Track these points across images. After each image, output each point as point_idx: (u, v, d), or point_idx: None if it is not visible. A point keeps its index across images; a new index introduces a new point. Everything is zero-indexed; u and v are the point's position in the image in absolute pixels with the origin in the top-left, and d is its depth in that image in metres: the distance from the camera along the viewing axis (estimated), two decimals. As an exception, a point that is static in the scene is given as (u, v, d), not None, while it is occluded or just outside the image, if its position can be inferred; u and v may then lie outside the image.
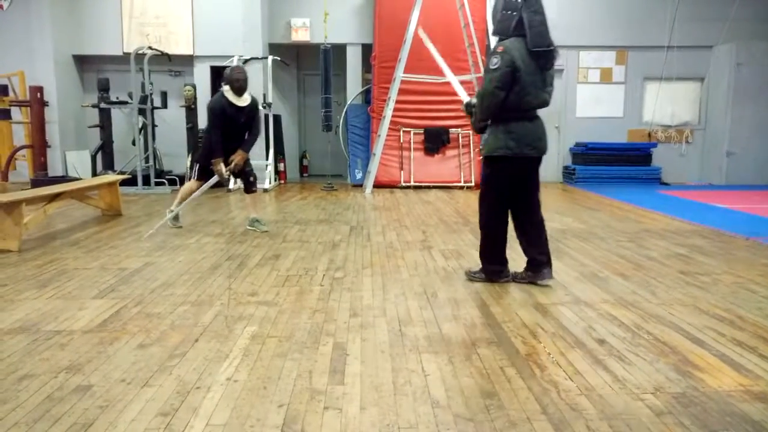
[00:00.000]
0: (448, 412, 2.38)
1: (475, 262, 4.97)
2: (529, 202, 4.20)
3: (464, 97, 4.49)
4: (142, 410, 2.38)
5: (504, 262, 4.31)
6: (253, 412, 2.38)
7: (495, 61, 3.89)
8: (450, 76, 4.92)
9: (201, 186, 6.40)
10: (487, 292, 4.11)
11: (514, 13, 3.90)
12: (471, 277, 4.39)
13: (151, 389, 2.57)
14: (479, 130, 4.23)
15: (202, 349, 3.04)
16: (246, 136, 6.27)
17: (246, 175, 6.42)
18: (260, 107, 6.46)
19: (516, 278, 4.31)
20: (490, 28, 10.94)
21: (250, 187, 6.49)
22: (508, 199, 4.16)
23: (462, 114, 10.79)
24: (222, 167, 6.10)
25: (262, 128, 6.47)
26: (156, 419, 2.31)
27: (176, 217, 6.54)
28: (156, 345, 3.09)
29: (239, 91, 6.07)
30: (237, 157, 6.15)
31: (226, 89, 6.10)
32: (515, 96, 3.91)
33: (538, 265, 4.21)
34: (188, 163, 10.48)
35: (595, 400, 2.49)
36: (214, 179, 6.29)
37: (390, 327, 3.38)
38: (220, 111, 6.03)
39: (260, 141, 11.04)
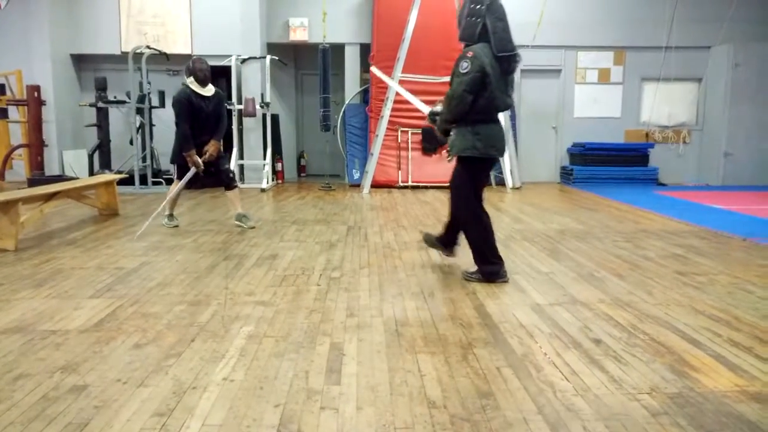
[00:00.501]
0: (445, 413, 2.38)
1: (471, 262, 4.98)
2: (478, 197, 4.42)
3: (424, 108, 4.80)
4: (137, 410, 2.38)
5: (499, 259, 4.35)
6: (249, 412, 2.38)
7: (465, 66, 4.02)
8: (407, 95, 5.30)
9: (182, 185, 6.49)
10: (483, 292, 4.11)
11: (479, 20, 4.05)
12: (468, 277, 4.41)
13: (147, 389, 2.56)
14: (444, 133, 4.38)
15: (198, 349, 3.04)
16: (215, 127, 6.39)
17: (224, 173, 6.51)
18: (224, 98, 6.78)
19: (428, 241, 4.80)
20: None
21: (230, 183, 6.57)
22: (477, 193, 4.35)
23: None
24: (197, 158, 6.19)
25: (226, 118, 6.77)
26: (152, 419, 2.31)
27: (171, 217, 6.62)
28: (152, 345, 3.08)
29: (203, 81, 6.19)
30: (210, 147, 6.27)
31: (190, 80, 6.19)
32: (484, 100, 4.04)
33: (453, 244, 4.67)
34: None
35: (591, 400, 2.49)
36: (190, 173, 6.31)
37: (387, 327, 3.38)
38: (187, 102, 6.10)
39: (258, 141, 11.09)
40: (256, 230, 6.41)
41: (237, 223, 6.58)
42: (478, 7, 4.04)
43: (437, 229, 6.57)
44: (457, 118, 4.16)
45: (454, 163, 4.40)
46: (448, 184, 4.52)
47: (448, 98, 4.17)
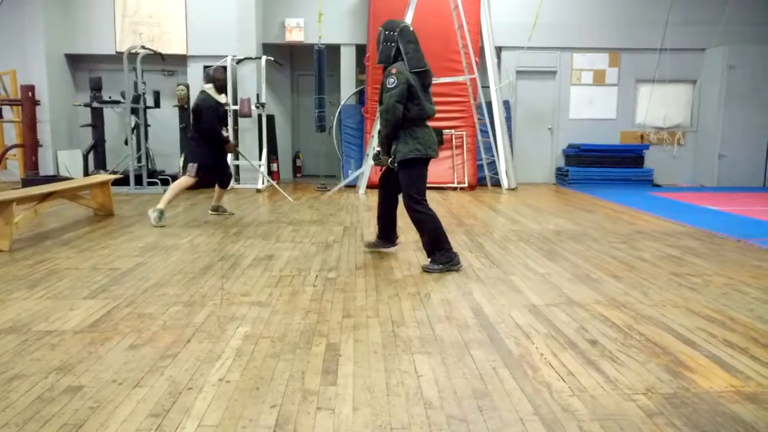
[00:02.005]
0: (441, 413, 2.38)
1: (467, 262, 4.99)
2: (396, 196, 5.00)
3: (370, 153, 5.41)
4: (133, 411, 2.37)
5: (449, 243, 4.76)
6: (245, 412, 2.37)
7: (392, 81, 4.55)
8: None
9: (193, 183, 6.86)
10: (480, 293, 4.12)
11: (393, 44, 4.70)
12: (427, 269, 4.69)
13: (142, 390, 2.56)
14: (387, 151, 4.77)
15: (194, 349, 3.03)
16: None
17: (227, 174, 7.27)
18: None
19: (369, 245, 5.37)
20: (486, 31, 11.04)
21: (227, 182, 7.31)
22: (424, 190, 4.78)
23: (456, 116, 10.98)
24: (232, 143, 7.15)
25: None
26: (147, 420, 2.30)
27: (161, 216, 6.66)
28: (147, 345, 3.07)
29: (221, 90, 6.82)
30: (230, 146, 7.13)
31: (208, 87, 6.75)
32: (415, 108, 4.61)
33: (391, 237, 5.33)
34: (181, 163, 10.45)
35: (587, 400, 2.49)
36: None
37: (383, 328, 3.38)
38: (216, 105, 6.75)
39: (254, 141, 11.07)
40: (252, 230, 6.39)
41: (212, 212, 7.39)
42: (391, 33, 4.70)
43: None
44: (394, 128, 4.63)
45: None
46: (377, 186, 5.20)
47: (383, 113, 4.62)
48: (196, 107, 6.75)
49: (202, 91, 6.80)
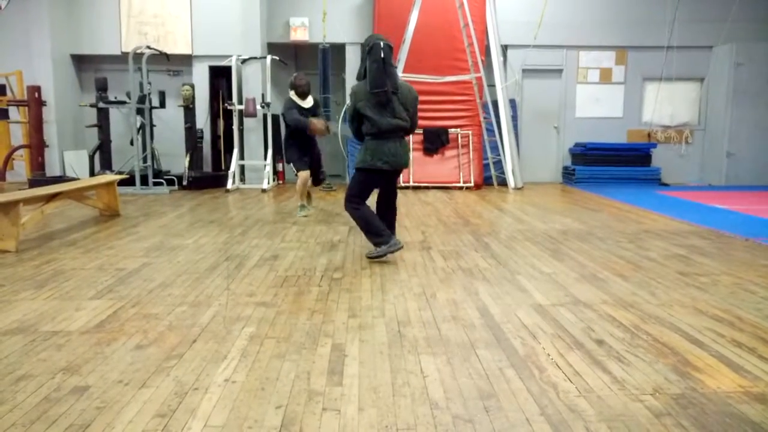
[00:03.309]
0: (447, 413, 2.37)
1: (474, 263, 4.98)
2: (388, 202, 5.30)
3: None
4: (139, 411, 2.37)
5: (386, 232, 5.05)
6: (251, 413, 2.37)
7: (348, 100, 4.91)
8: None
9: (306, 173, 7.31)
10: (486, 292, 4.10)
11: (363, 63, 5.00)
12: (370, 256, 5.06)
13: (148, 390, 2.56)
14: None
15: (199, 350, 3.03)
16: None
17: (321, 171, 7.59)
18: (320, 103, 7.84)
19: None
20: (491, 29, 11.01)
21: (320, 180, 7.69)
22: (363, 196, 5.11)
23: (462, 114, 10.96)
24: (315, 122, 7.03)
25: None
26: (153, 420, 2.30)
27: (302, 208, 7.46)
28: (153, 346, 3.08)
29: (303, 95, 7.16)
30: (318, 121, 7.14)
31: (292, 93, 7.15)
32: (368, 124, 4.96)
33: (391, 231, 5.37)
34: (186, 164, 10.48)
35: (594, 401, 2.48)
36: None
37: (389, 328, 3.37)
38: (297, 107, 7.10)
39: (259, 141, 11.09)
40: (257, 231, 6.40)
41: (302, 214, 7.41)
42: (364, 50, 5.01)
43: (436, 229, 6.57)
44: (356, 137, 5.21)
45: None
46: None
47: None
48: (282, 112, 7.24)
49: (287, 98, 7.21)
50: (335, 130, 11.37)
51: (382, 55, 4.84)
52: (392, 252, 5.05)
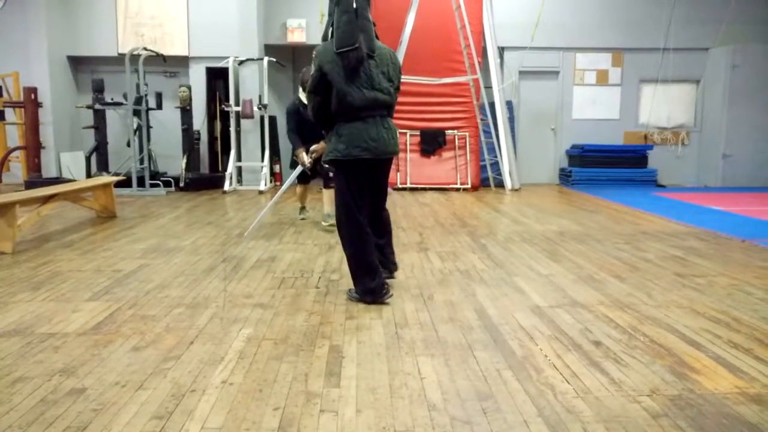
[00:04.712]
0: (445, 415, 2.37)
1: (471, 264, 4.98)
2: (375, 209, 4.09)
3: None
4: (136, 413, 2.36)
5: (374, 273, 3.83)
6: (248, 415, 2.37)
7: (312, 67, 3.85)
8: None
9: (305, 187, 7.04)
10: (483, 294, 4.10)
11: (331, 18, 3.83)
12: (350, 296, 3.97)
13: (145, 392, 2.55)
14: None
15: (197, 351, 3.02)
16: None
17: (326, 173, 6.62)
18: None
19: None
20: (488, 31, 11.03)
21: (328, 182, 6.63)
22: (357, 201, 3.87)
23: (459, 116, 10.97)
24: (304, 156, 6.39)
25: None
26: (151, 422, 2.29)
27: (303, 209, 7.31)
28: (151, 347, 3.07)
29: None
30: (318, 147, 6.24)
31: (300, 92, 6.55)
32: (335, 99, 3.73)
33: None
34: (183, 165, 10.47)
35: (592, 402, 2.48)
36: (297, 171, 6.67)
37: (386, 329, 3.37)
38: (295, 112, 6.53)
39: (256, 142, 11.08)
40: (255, 233, 6.39)
41: (326, 225, 6.57)
42: (331, 5, 3.82)
43: (434, 231, 6.57)
44: (319, 121, 3.95)
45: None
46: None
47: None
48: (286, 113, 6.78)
49: (292, 100, 6.77)
50: None
51: (355, 5, 3.69)
52: (378, 302, 3.82)
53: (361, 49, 3.68)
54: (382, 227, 4.19)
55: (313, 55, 3.84)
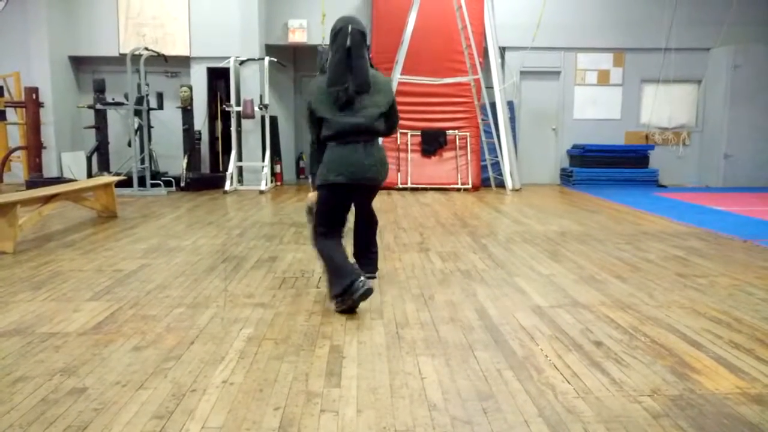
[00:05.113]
0: (445, 415, 2.37)
1: (472, 264, 4.98)
2: (361, 230, 4.28)
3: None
4: (137, 413, 2.36)
5: (346, 273, 3.70)
6: (249, 415, 2.36)
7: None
8: None
9: (313, 194, 6.31)
10: (484, 294, 4.10)
11: (326, 53, 3.98)
12: (335, 308, 3.76)
13: (146, 392, 2.55)
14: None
15: (197, 351, 3.02)
16: None
17: None
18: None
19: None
20: (489, 31, 11.03)
21: None
22: (329, 223, 3.94)
23: (460, 116, 10.97)
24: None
25: None
26: (151, 422, 2.30)
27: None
28: (151, 347, 3.07)
29: None
30: None
31: (319, 74, 6.10)
32: (326, 126, 3.84)
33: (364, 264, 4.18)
34: (184, 165, 10.47)
35: (592, 402, 2.48)
36: None
37: (387, 329, 3.37)
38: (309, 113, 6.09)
39: (257, 142, 11.08)
40: (255, 232, 6.39)
41: None
42: (332, 37, 3.91)
43: (435, 231, 6.57)
44: (318, 151, 3.97)
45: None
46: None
47: None
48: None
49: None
50: None
51: (348, 43, 3.75)
52: (358, 299, 3.65)
53: (348, 90, 3.77)
54: (364, 242, 4.30)
55: (308, 90, 3.96)
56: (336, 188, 3.83)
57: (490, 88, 10.99)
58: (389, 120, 4.01)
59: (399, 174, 10.79)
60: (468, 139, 10.93)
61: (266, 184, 10.60)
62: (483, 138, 11.04)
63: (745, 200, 9.55)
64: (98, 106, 10.30)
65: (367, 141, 3.85)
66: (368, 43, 3.97)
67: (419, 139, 10.99)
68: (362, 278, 3.67)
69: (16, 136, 11.29)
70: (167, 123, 11.36)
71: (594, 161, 11.71)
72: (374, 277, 4.29)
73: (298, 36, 11.65)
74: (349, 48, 3.78)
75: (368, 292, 3.64)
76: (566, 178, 11.99)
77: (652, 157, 11.96)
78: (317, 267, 4.86)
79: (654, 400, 2.51)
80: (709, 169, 12.03)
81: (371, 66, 3.97)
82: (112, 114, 10.91)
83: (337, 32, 3.84)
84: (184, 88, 10.63)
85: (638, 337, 3.26)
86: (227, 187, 10.31)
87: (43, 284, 4.28)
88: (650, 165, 11.93)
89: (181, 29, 11.25)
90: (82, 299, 3.92)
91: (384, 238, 6.18)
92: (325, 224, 3.94)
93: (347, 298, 3.64)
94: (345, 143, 3.81)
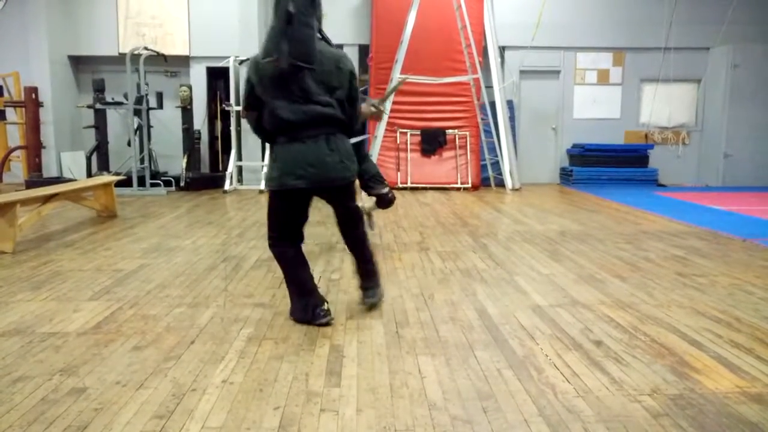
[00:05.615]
0: (445, 414, 2.37)
1: (472, 264, 4.98)
2: (346, 235, 3.62)
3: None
4: (137, 413, 2.36)
5: (306, 293, 3.46)
6: (249, 414, 2.36)
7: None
8: None
9: None
10: (484, 294, 4.10)
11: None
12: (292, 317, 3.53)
13: (146, 391, 2.55)
14: None
15: (197, 351, 3.02)
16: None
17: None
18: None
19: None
20: (489, 30, 11.03)
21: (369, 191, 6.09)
22: (284, 229, 3.45)
23: (459, 115, 10.97)
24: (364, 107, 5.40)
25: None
26: (151, 422, 2.29)
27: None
28: (151, 347, 3.07)
29: None
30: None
31: None
32: (267, 115, 3.21)
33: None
34: (184, 165, 10.47)
35: (592, 402, 2.48)
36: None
37: (387, 329, 3.37)
38: None
39: (256, 142, 11.07)
40: (255, 232, 6.39)
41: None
42: (273, 4, 3.19)
43: (434, 230, 6.57)
44: (261, 138, 3.50)
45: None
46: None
47: None
48: None
49: None
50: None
51: (292, 8, 3.03)
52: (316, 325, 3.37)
53: (281, 62, 3.04)
54: (356, 252, 3.67)
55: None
56: (294, 194, 3.25)
57: (489, 87, 10.99)
58: (348, 106, 3.33)
59: (399, 173, 10.78)
60: (468, 139, 10.92)
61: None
62: (483, 137, 11.04)
63: (744, 199, 9.55)
64: (98, 106, 10.30)
65: (330, 134, 3.24)
66: (321, 13, 3.27)
67: (419, 138, 10.98)
68: (326, 306, 3.40)
69: (15, 135, 11.29)
70: (167, 123, 11.35)
71: (594, 161, 11.71)
72: (374, 301, 3.71)
73: (297, 35, 11.62)
74: (291, 14, 3.04)
75: (330, 322, 3.35)
76: (566, 177, 11.99)
77: (651, 157, 11.96)
78: (317, 266, 4.86)
79: (654, 399, 2.51)
80: (709, 169, 12.04)
81: (328, 43, 3.29)
82: (111, 114, 10.90)
83: None
84: (184, 88, 10.63)
85: (638, 337, 3.26)
86: (227, 186, 10.30)
87: (42, 284, 4.28)
88: (650, 164, 11.93)
89: (181, 29, 11.24)
90: (81, 299, 3.92)
91: (384, 237, 6.18)
92: (278, 231, 3.43)
93: (297, 316, 3.45)
94: (303, 138, 3.17)
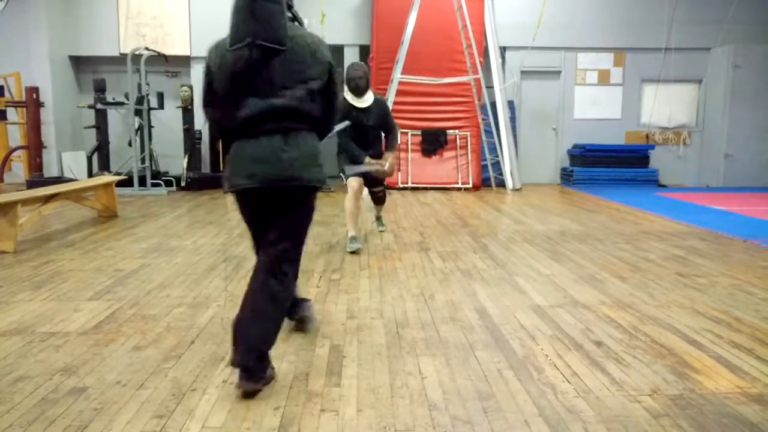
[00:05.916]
0: (446, 415, 2.37)
1: (472, 264, 4.98)
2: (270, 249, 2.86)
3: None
4: (137, 412, 2.37)
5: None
6: (249, 414, 2.37)
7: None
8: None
9: (358, 194, 5.59)
10: (484, 294, 4.10)
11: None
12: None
13: (146, 391, 2.55)
14: None
15: (198, 351, 3.03)
16: (383, 140, 5.72)
17: (380, 194, 6.14)
18: (387, 107, 5.80)
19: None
20: (490, 31, 11.02)
21: (380, 202, 6.32)
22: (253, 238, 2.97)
23: (460, 116, 10.96)
24: (369, 160, 5.50)
25: (397, 131, 5.90)
26: (151, 421, 2.30)
27: (354, 239, 5.46)
28: (151, 347, 3.07)
29: (356, 91, 5.29)
30: (390, 157, 5.54)
31: (345, 90, 5.35)
32: (226, 113, 2.74)
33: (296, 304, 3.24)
34: (185, 165, 10.47)
35: (593, 402, 2.48)
36: (356, 169, 5.49)
37: (387, 329, 3.37)
38: (347, 110, 5.25)
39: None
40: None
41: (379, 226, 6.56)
42: None
43: (435, 230, 6.57)
44: (221, 139, 2.96)
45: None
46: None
47: None
48: None
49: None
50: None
51: None
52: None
53: (251, 45, 2.56)
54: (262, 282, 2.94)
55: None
56: (246, 196, 2.76)
57: (490, 87, 10.98)
58: (325, 99, 2.78)
59: (399, 173, 10.78)
60: (468, 139, 10.92)
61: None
62: (483, 137, 11.04)
63: (745, 200, 9.54)
64: (99, 106, 10.30)
65: (291, 129, 2.68)
66: None
67: (420, 138, 10.98)
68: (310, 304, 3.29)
69: (16, 135, 11.29)
70: (168, 123, 11.35)
71: (594, 161, 11.70)
72: (304, 327, 3.34)
73: (298, 36, 11.62)
74: None
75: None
76: (566, 177, 11.98)
77: (652, 157, 11.95)
78: (317, 266, 4.86)
79: (654, 399, 2.51)
80: (710, 169, 12.03)
81: (299, 24, 2.80)
82: (112, 114, 10.90)
83: None
84: (185, 88, 10.63)
85: (638, 337, 3.26)
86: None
87: (43, 284, 4.29)
88: (650, 165, 11.93)
89: (182, 29, 11.25)
90: (82, 299, 3.92)
91: (384, 237, 6.18)
92: (253, 244, 3.00)
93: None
94: (257, 134, 2.66)
